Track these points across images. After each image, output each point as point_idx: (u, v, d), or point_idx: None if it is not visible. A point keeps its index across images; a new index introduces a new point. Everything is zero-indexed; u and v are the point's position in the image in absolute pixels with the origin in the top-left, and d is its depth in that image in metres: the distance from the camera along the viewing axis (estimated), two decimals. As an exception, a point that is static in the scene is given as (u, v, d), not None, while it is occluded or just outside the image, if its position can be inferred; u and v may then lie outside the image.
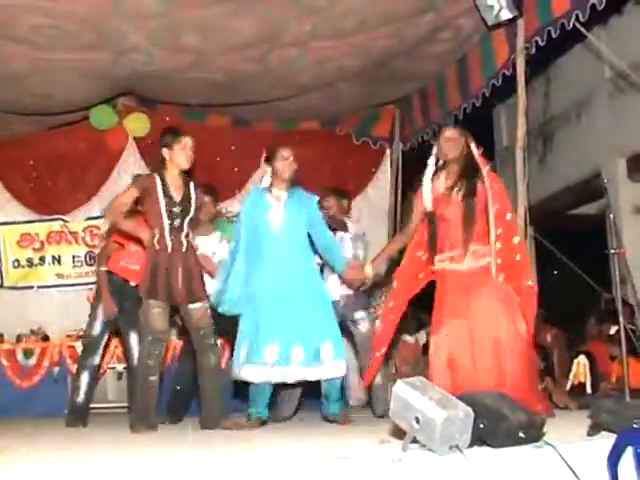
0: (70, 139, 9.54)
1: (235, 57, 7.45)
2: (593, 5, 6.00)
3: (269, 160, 5.91)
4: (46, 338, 8.91)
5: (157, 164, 5.87)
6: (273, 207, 5.83)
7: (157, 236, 5.70)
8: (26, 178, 9.68)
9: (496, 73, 7.26)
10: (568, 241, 10.95)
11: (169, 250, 5.72)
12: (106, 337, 6.87)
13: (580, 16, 6.11)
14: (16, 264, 9.76)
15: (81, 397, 6.73)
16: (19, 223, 9.77)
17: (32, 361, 8.57)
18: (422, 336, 10.18)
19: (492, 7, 6.56)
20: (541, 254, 10.31)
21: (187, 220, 5.82)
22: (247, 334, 5.66)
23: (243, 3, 6.53)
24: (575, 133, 10.88)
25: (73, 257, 9.71)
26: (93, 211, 9.58)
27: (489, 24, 6.76)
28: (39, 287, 9.75)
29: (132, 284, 6.83)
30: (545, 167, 11.29)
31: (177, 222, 5.75)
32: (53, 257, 9.75)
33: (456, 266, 5.27)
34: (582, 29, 6.39)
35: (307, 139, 9.57)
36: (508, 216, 5.24)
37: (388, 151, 10.18)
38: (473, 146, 5.39)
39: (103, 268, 6.92)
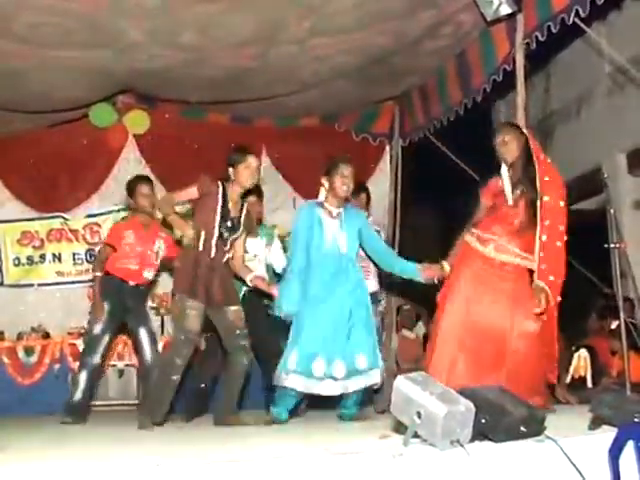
0: (70, 137, 9.52)
1: (234, 54, 7.45)
2: (593, 0, 6.01)
3: (327, 174, 5.90)
4: (47, 336, 8.91)
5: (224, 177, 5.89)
6: (327, 223, 5.86)
7: (203, 239, 5.71)
8: (26, 176, 9.66)
9: (497, 68, 7.26)
10: (568, 236, 10.95)
11: (212, 255, 5.74)
12: (108, 337, 6.83)
13: (580, 11, 6.11)
14: (16, 262, 9.76)
15: (78, 395, 6.72)
16: (19, 221, 9.77)
17: (33, 359, 8.58)
18: (420, 328, 10.21)
19: (491, 2, 6.57)
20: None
21: (232, 238, 5.86)
22: (297, 343, 5.67)
23: (241, 0, 6.53)
24: (575, 128, 10.89)
25: (73, 255, 9.71)
26: (93, 208, 9.59)
27: (488, 19, 6.76)
28: (39, 285, 9.74)
29: (131, 283, 6.86)
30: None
31: (225, 235, 5.79)
32: (53, 255, 9.75)
33: (494, 253, 5.41)
34: (582, 24, 6.39)
35: (306, 135, 9.60)
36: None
37: (388, 147, 10.19)
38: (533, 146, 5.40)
39: (98, 273, 6.96)
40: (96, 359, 6.79)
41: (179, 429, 5.75)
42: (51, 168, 9.55)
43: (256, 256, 6.99)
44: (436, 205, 15.36)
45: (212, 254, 5.74)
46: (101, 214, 9.52)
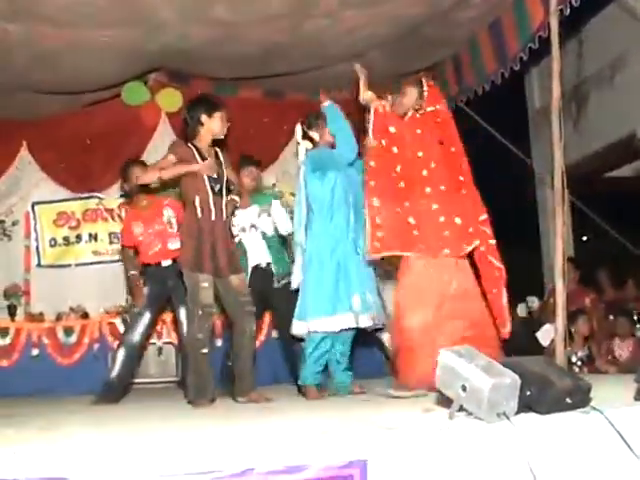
0: (103, 116, 9.54)
1: (266, 29, 7.42)
2: (627, -36, 5.93)
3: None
4: (86, 315, 8.99)
5: (190, 133, 5.92)
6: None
7: (199, 203, 5.68)
8: (60, 157, 9.70)
9: (532, 36, 7.15)
10: (604, 204, 10.88)
11: (213, 217, 5.71)
12: (148, 316, 6.88)
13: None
14: (53, 243, 9.83)
15: (114, 373, 6.76)
16: (55, 202, 9.83)
17: (72, 339, 8.65)
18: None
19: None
20: (577, 218, 10.27)
21: (224, 184, 5.84)
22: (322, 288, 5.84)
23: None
24: (609, 94, 10.72)
25: (109, 234, 9.76)
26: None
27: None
28: (76, 265, 9.82)
29: (165, 263, 6.89)
30: (579, 130, 11.14)
31: (217, 187, 5.77)
32: (89, 235, 9.82)
33: None
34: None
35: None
36: None
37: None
38: None
39: (132, 272, 7.08)
40: (135, 337, 6.83)
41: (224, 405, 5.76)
42: (85, 148, 9.59)
43: (253, 226, 6.99)
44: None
45: (213, 216, 5.72)
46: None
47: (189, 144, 5.82)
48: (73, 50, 7.53)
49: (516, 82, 11.78)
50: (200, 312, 5.63)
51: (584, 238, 13.68)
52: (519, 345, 8.37)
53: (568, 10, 6.66)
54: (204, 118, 5.81)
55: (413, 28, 7.75)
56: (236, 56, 8.05)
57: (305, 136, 6.30)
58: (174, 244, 6.87)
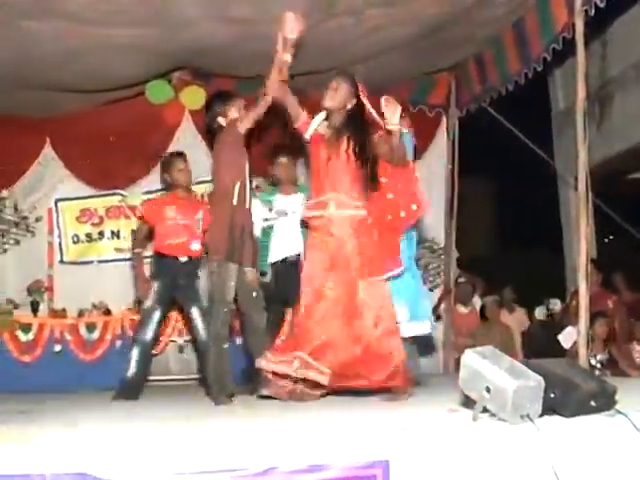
0: (127, 114, 9.54)
1: (289, 27, 7.42)
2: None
3: None
4: (108, 312, 9.02)
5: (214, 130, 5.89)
6: None
7: (237, 189, 5.62)
8: (84, 154, 9.70)
9: (556, 37, 7.12)
10: (627, 205, 10.84)
11: (246, 205, 5.68)
12: (159, 312, 6.87)
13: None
14: (75, 239, 9.86)
15: (130, 372, 6.77)
16: (78, 199, 9.83)
17: (95, 335, 8.72)
18: (477, 300, 10.15)
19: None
20: (599, 219, 10.23)
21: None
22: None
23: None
24: (633, 95, 10.68)
25: (132, 231, 9.71)
26: (151, 185, 9.61)
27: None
28: (99, 262, 9.83)
29: (182, 259, 6.89)
30: (603, 130, 11.10)
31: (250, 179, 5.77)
32: (112, 232, 9.82)
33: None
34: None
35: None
36: None
37: (444, 118, 10.11)
38: None
39: (137, 250, 7.12)
40: (147, 335, 6.83)
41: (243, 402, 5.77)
42: (108, 146, 9.58)
43: (294, 212, 7.03)
44: (492, 175, 15.27)
45: (247, 203, 5.70)
46: (158, 190, 9.53)
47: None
48: (97, 48, 7.54)
49: (539, 83, 11.76)
50: (225, 309, 5.62)
51: (606, 240, 13.64)
52: (539, 348, 8.37)
53: (593, 11, 6.62)
54: (220, 119, 5.86)
55: (436, 27, 7.73)
56: (258, 54, 8.01)
57: None
58: (196, 245, 6.90)
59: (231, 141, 5.75)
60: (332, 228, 5.46)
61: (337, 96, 5.76)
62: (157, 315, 6.86)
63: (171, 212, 6.97)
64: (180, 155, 7.28)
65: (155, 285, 6.88)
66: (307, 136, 5.71)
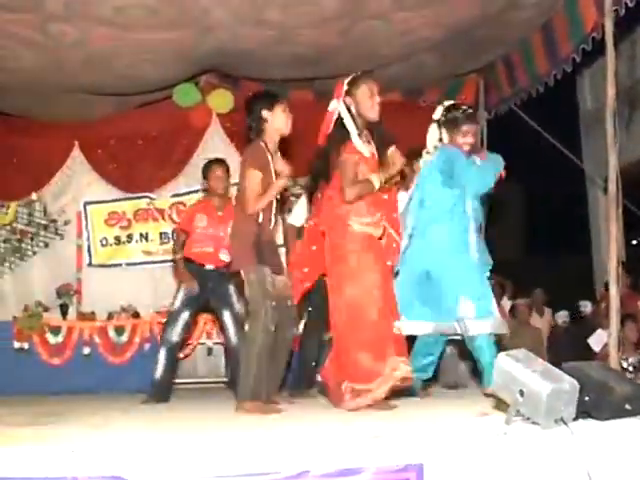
0: (154, 117, 9.62)
1: (318, 31, 7.43)
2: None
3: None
4: (137, 315, 9.05)
5: (254, 133, 5.50)
6: None
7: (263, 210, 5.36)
8: (112, 157, 9.80)
9: (585, 37, 7.08)
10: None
11: (271, 225, 5.48)
12: (187, 314, 6.90)
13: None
14: (104, 242, 9.91)
15: (158, 374, 6.82)
16: (106, 202, 9.90)
17: (124, 338, 8.78)
18: (506, 302, 10.10)
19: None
20: (627, 220, 10.15)
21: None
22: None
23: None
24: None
25: (160, 234, 9.81)
26: (179, 188, 9.68)
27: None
28: (127, 264, 9.89)
29: (208, 267, 6.91)
30: (632, 131, 11.02)
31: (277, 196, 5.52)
32: (140, 234, 9.87)
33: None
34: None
35: (390, 110, 9.46)
36: None
37: (473, 121, 10.06)
38: None
39: (178, 256, 7.09)
40: (174, 336, 6.87)
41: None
42: (136, 149, 9.66)
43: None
44: (521, 177, 15.19)
45: (271, 224, 5.47)
46: (186, 193, 9.60)
47: (261, 143, 5.44)
48: (126, 52, 7.61)
49: (566, 84, 11.70)
50: (268, 308, 5.25)
51: (634, 242, 13.55)
52: (563, 351, 8.34)
53: (623, 10, 6.57)
54: (265, 113, 5.43)
55: (465, 30, 7.71)
56: (287, 57, 8.07)
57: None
58: (225, 256, 6.83)
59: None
60: None
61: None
62: (184, 317, 6.89)
63: (201, 221, 7.02)
64: (218, 162, 7.25)
65: (183, 287, 6.92)
66: None
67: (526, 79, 8.57)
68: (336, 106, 5.51)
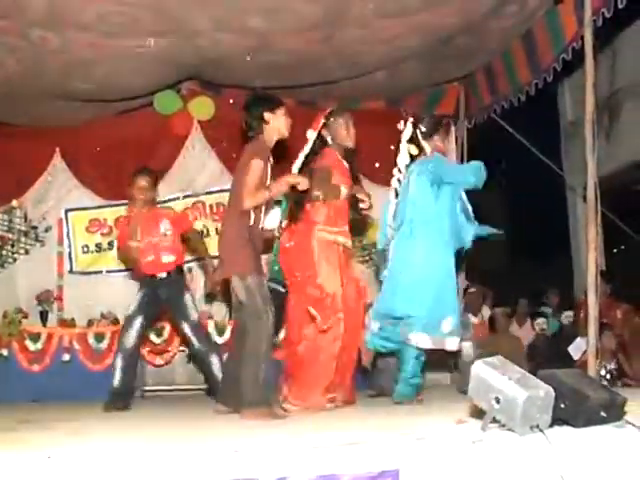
0: (136, 124, 9.59)
1: (299, 39, 7.45)
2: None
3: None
4: (116, 322, 9.03)
5: (256, 130, 5.46)
6: None
7: (255, 209, 5.32)
8: (93, 164, 9.78)
9: (565, 47, 7.13)
10: (636, 216, 10.82)
11: (260, 225, 5.44)
12: (140, 320, 6.88)
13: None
14: (85, 249, 9.89)
15: (117, 381, 6.79)
16: (87, 209, 9.89)
17: (103, 345, 8.75)
18: (486, 311, 10.12)
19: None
20: (609, 230, 10.21)
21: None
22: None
23: (306, -16, 6.55)
24: (643, 106, 10.67)
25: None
26: (160, 195, 9.63)
27: (556, -2, 6.68)
28: (108, 271, 9.85)
29: (160, 276, 6.91)
30: (612, 141, 11.08)
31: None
32: (121, 242, 9.83)
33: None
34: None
35: (371, 119, 9.51)
36: None
37: (453, 129, 10.09)
38: None
39: (133, 243, 6.98)
40: (129, 342, 6.84)
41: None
42: (118, 156, 9.62)
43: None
44: (501, 186, 15.25)
45: (261, 223, 5.44)
46: (168, 201, 9.58)
47: (262, 142, 5.43)
48: (107, 59, 7.60)
49: (548, 93, 11.77)
50: (268, 313, 5.21)
51: (615, 250, 13.61)
52: (543, 359, 8.36)
53: (601, 21, 6.62)
54: (267, 115, 5.40)
55: (447, 38, 7.75)
56: (269, 65, 8.08)
57: (412, 140, 6.06)
58: (168, 257, 6.94)
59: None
60: None
61: None
62: (138, 322, 6.88)
63: (138, 235, 6.99)
64: (142, 172, 7.19)
65: (138, 294, 6.97)
66: None
67: (507, 88, 8.62)
68: (311, 136, 5.98)
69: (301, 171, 5.77)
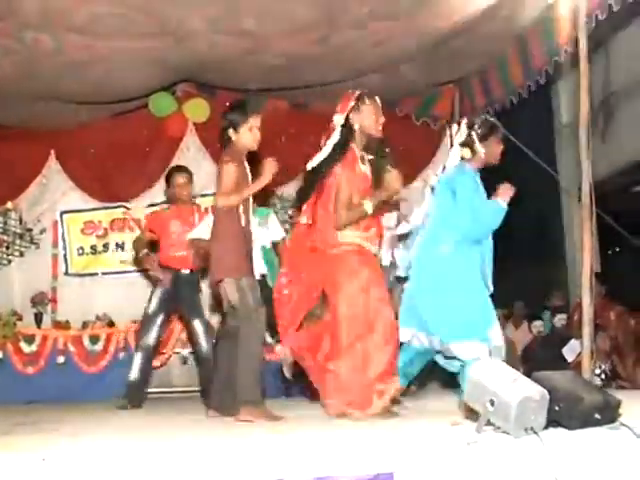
0: (131, 126, 9.59)
1: (294, 41, 7.45)
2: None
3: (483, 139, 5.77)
4: (111, 324, 9.04)
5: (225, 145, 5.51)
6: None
7: (242, 211, 5.34)
8: (88, 166, 9.77)
9: (558, 49, 7.15)
10: (631, 218, 10.83)
11: (250, 227, 5.45)
12: (161, 318, 6.98)
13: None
14: (80, 251, 9.89)
15: (134, 376, 6.88)
16: (83, 211, 9.89)
17: (98, 347, 8.74)
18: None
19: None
20: (604, 232, 10.22)
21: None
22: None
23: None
24: (637, 107, 10.67)
25: (133, 242, 9.78)
26: (155, 197, 9.64)
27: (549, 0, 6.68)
28: (103, 274, 9.86)
29: (184, 271, 6.94)
30: (607, 143, 11.08)
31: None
32: (116, 244, 9.85)
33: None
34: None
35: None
36: None
37: (448, 131, 10.10)
38: None
39: (144, 251, 7.13)
40: (150, 340, 6.95)
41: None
42: (113, 158, 9.63)
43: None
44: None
45: (250, 224, 5.45)
46: (162, 202, 9.55)
47: (235, 148, 5.46)
48: (102, 61, 7.60)
49: (542, 95, 11.78)
50: (260, 315, 5.28)
51: (610, 252, 13.63)
52: (539, 362, 8.38)
53: (594, 24, 6.63)
54: (231, 132, 5.45)
55: (441, 41, 7.75)
56: (264, 67, 8.08)
57: (466, 143, 5.82)
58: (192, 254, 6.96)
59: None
60: None
61: None
62: (159, 319, 6.97)
63: (175, 226, 7.06)
64: (180, 169, 7.33)
65: (158, 291, 6.99)
66: None
67: (501, 90, 8.63)
68: (338, 122, 5.47)
69: (326, 163, 5.39)
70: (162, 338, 7.50)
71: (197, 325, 6.97)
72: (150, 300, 7.06)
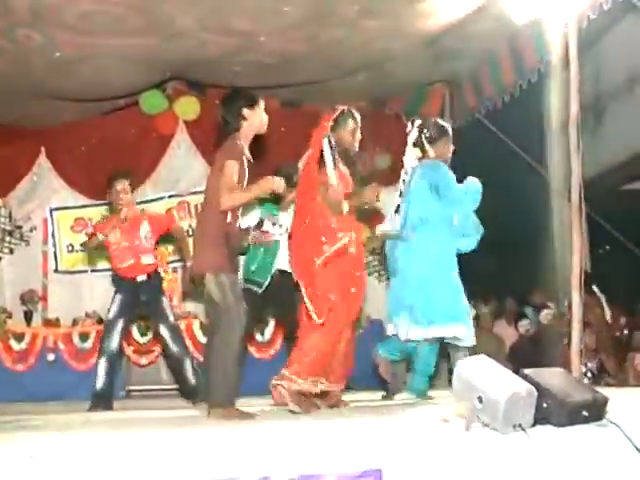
0: (121, 124, 9.60)
1: (284, 39, 7.47)
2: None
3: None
4: (101, 321, 8.99)
5: (230, 130, 5.29)
6: None
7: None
8: (78, 164, 9.77)
9: (549, 48, 7.15)
10: (622, 217, 10.85)
11: (238, 224, 5.33)
12: (121, 323, 6.91)
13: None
14: (70, 249, 9.88)
15: (99, 383, 6.79)
16: (72, 208, 9.90)
17: (88, 344, 8.73)
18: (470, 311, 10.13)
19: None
20: (594, 231, 10.24)
21: None
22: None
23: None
24: (627, 106, 10.69)
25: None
26: (145, 195, 9.63)
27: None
28: (92, 271, 9.84)
29: (140, 278, 6.90)
30: (597, 142, 11.09)
31: None
32: (106, 241, 9.81)
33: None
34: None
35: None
36: None
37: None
38: None
39: (101, 237, 6.96)
40: (112, 345, 6.86)
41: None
42: (103, 156, 9.57)
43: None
44: (485, 186, 15.26)
45: (239, 221, 5.34)
46: (153, 200, 9.58)
47: (237, 141, 5.22)
48: (92, 58, 7.61)
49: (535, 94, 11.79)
50: (241, 312, 5.18)
51: (601, 251, 13.65)
52: (526, 360, 8.39)
53: (585, 23, 6.65)
54: (246, 111, 5.24)
55: (430, 39, 7.76)
56: (253, 65, 8.09)
57: (417, 144, 6.16)
58: (148, 258, 6.97)
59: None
60: None
61: None
62: (119, 325, 6.89)
63: (114, 237, 6.96)
64: (121, 174, 7.18)
65: (117, 297, 6.97)
66: None
67: (491, 89, 8.64)
68: (326, 144, 5.52)
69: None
70: (124, 342, 7.50)
71: (163, 331, 6.91)
72: (110, 306, 7.00)
